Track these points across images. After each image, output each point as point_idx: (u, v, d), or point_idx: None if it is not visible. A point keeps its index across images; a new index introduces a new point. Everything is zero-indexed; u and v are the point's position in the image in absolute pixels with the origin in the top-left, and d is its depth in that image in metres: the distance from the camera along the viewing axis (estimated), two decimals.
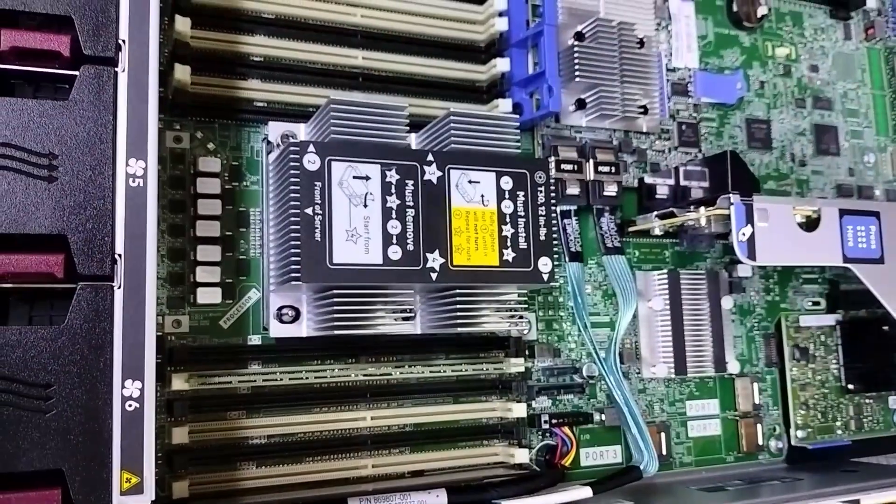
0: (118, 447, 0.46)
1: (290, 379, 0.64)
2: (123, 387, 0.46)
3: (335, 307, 0.58)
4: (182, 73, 0.61)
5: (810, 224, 0.70)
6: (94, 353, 0.46)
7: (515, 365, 0.71)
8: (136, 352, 0.47)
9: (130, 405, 0.46)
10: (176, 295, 0.62)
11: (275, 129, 0.65)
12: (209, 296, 0.63)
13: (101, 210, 0.47)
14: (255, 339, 0.65)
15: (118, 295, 0.47)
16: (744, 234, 0.66)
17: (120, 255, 0.47)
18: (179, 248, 0.63)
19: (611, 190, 0.77)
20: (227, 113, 0.65)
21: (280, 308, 0.63)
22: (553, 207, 0.66)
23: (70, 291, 0.47)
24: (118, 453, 0.46)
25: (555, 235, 0.66)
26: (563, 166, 0.75)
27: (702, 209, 0.70)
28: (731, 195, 0.66)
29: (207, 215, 0.63)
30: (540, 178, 0.66)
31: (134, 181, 0.48)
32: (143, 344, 0.47)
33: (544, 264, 0.65)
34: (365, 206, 0.60)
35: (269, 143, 0.65)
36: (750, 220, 0.66)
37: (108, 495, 0.45)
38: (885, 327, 0.92)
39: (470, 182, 0.63)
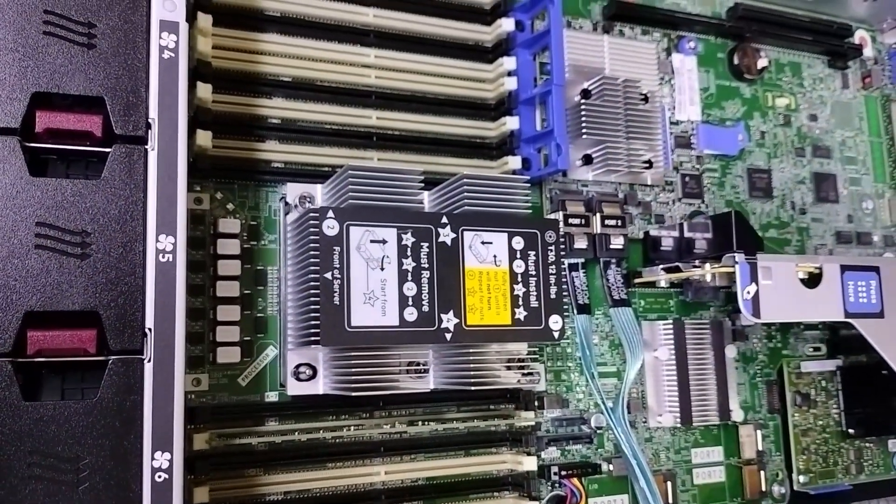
0: None
1: (305, 435, 0.66)
2: (153, 458, 0.48)
3: (352, 369, 0.60)
4: (204, 138, 0.63)
5: (812, 279, 0.72)
6: (125, 426, 0.47)
7: (526, 419, 0.72)
8: (165, 423, 0.48)
9: (160, 476, 0.48)
10: (196, 354, 0.64)
11: (293, 191, 0.67)
12: (229, 355, 0.64)
13: (132, 286, 0.49)
14: (271, 396, 0.66)
15: (148, 368, 0.48)
16: (748, 293, 0.68)
17: (150, 329, 0.49)
18: (199, 307, 0.64)
19: (617, 243, 0.78)
20: (245, 174, 0.67)
21: (297, 366, 0.65)
22: (563, 269, 0.68)
23: (100, 363, 0.48)
24: None
25: (565, 292, 0.68)
26: (570, 221, 0.77)
27: (707, 265, 0.72)
28: (735, 254, 0.68)
29: (227, 275, 0.65)
30: (550, 237, 0.67)
31: (164, 256, 0.50)
32: (172, 415, 0.49)
33: (555, 322, 0.67)
34: (382, 269, 0.61)
35: (286, 203, 0.67)
36: (754, 278, 0.68)
37: None
38: (885, 372, 0.94)
39: (483, 243, 0.65)
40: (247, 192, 0.68)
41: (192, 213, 0.65)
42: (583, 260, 0.78)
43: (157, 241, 0.50)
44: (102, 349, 0.48)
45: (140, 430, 0.48)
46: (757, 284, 0.68)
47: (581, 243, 0.77)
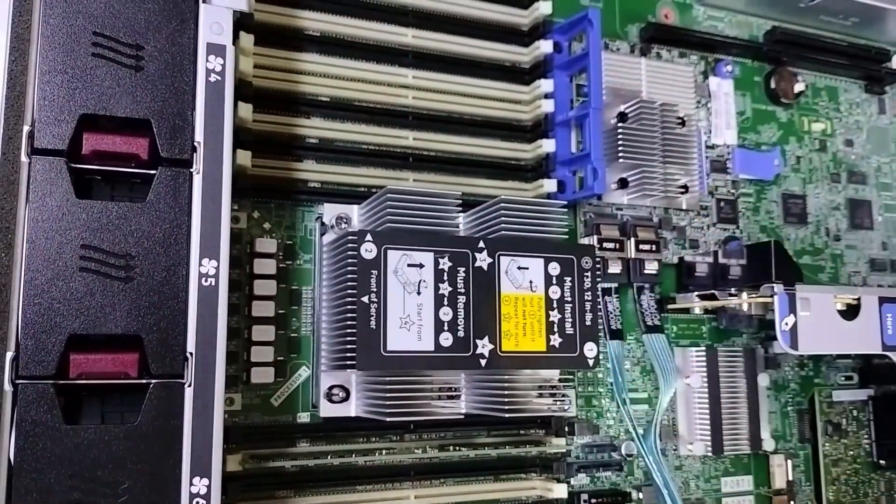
0: None
1: (338, 459, 0.65)
2: (192, 484, 0.48)
3: (387, 393, 0.59)
4: (244, 158, 0.63)
5: (850, 310, 0.71)
6: (165, 451, 0.47)
7: (557, 445, 0.72)
8: (204, 448, 0.48)
9: (198, 502, 0.48)
10: (230, 373, 0.64)
11: (330, 211, 0.67)
12: (262, 376, 0.64)
13: (174, 310, 0.49)
14: (303, 417, 0.66)
15: (188, 393, 0.48)
16: (786, 324, 0.67)
17: (191, 354, 0.49)
18: (235, 326, 0.64)
19: (651, 268, 0.78)
20: (283, 194, 0.67)
21: (330, 388, 0.65)
22: (598, 295, 0.67)
23: (141, 387, 0.48)
24: None
25: (600, 319, 0.67)
26: (605, 245, 0.76)
27: (744, 294, 0.71)
28: (774, 285, 0.67)
29: (263, 295, 0.65)
30: (586, 263, 0.67)
31: (206, 280, 0.50)
32: (211, 440, 0.48)
33: (590, 349, 0.66)
34: (419, 293, 0.61)
35: (322, 223, 0.67)
36: (793, 309, 0.68)
37: None
38: None
39: (519, 268, 0.65)
40: (283, 211, 0.68)
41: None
42: (616, 285, 0.78)
43: (201, 264, 0.50)
44: (143, 373, 0.48)
45: (179, 455, 0.48)
46: (795, 316, 0.67)
47: (615, 268, 0.77)
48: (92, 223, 0.48)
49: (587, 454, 0.76)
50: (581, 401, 0.77)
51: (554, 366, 0.65)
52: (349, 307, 0.59)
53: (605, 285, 0.77)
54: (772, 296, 0.68)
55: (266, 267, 0.65)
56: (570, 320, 0.66)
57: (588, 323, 0.66)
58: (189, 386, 0.48)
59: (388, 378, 0.60)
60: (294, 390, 0.66)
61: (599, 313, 0.67)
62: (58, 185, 0.48)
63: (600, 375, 0.78)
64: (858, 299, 0.71)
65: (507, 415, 0.63)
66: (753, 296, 0.70)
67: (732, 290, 0.72)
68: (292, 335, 0.66)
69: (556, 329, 0.65)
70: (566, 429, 0.74)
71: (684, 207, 0.83)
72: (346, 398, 0.65)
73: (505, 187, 0.74)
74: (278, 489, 0.63)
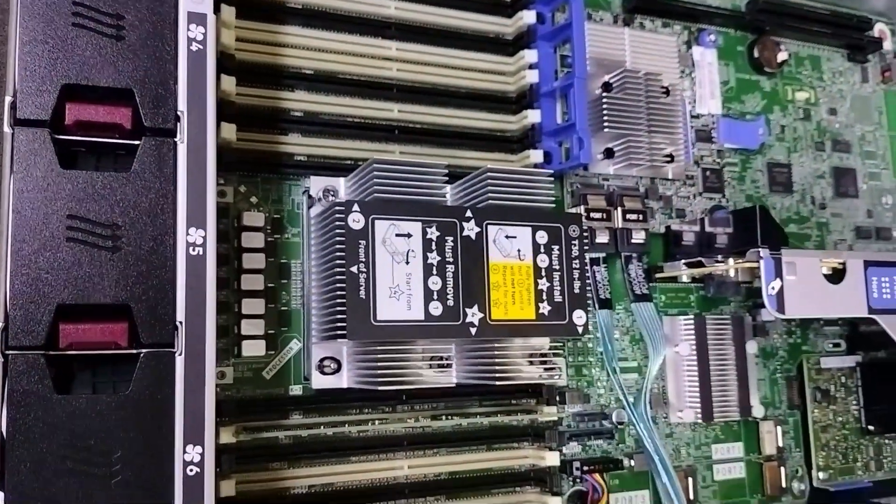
0: None
1: (330, 430, 0.65)
2: (185, 452, 0.48)
3: (378, 363, 0.60)
4: (228, 131, 0.62)
5: (836, 275, 0.72)
6: (157, 419, 0.47)
7: (548, 414, 0.72)
8: (196, 417, 0.48)
9: (192, 470, 0.48)
10: (221, 347, 0.63)
11: (316, 184, 0.67)
12: (253, 348, 0.64)
13: (163, 279, 0.49)
14: (296, 390, 0.66)
15: (179, 361, 0.48)
16: (773, 288, 0.68)
17: (181, 323, 0.49)
18: (224, 300, 0.64)
19: (639, 237, 0.78)
20: (269, 167, 0.67)
21: (322, 360, 0.65)
22: (587, 263, 0.68)
23: (132, 357, 0.48)
24: None
25: (588, 287, 0.67)
26: (592, 215, 0.77)
27: (730, 260, 0.72)
28: (760, 249, 0.68)
29: (252, 269, 0.64)
30: (574, 231, 0.67)
31: (194, 249, 0.50)
32: (204, 409, 0.48)
33: (579, 317, 0.66)
34: (407, 262, 0.61)
35: (310, 196, 0.67)
36: (779, 273, 0.68)
37: None
38: None
39: (507, 237, 0.65)
40: (270, 185, 0.68)
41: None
42: (604, 255, 0.78)
43: (188, 234, 0.50)
44: (133, 343, 0.48)
45: (171, 423, 0.48)
46: (781, 280, 0.68)
47: (603, 238, 0.77)
48: (77, 193, 0.48)
49: (578, 423, 0.76)
50: (571, 370, 0.77)
51: (543, 334, 0.65)
52: (338, 277, 0.59)
53: (594, 255, 0.78)
54: (758, 260, 0.68)
55: (254, 240, 0.65)
56: (559, 288, 0.66)
57: (576, 291, 0.67)
58: (180, 355, 0.48)
59: (379, 347, 0.60)
60: (286, 363, 0.66)
61: (588, 281, 0.68)
62: (42, 155, 0.48)
63: (590, 345, 0.78)
64: (844, 263, 0.72)
65: (497, 382, 0.63)
66: (740, 261, 0.70)
67: (719, 258, 0.73)
68: (283, 309, 0.66)
69: (544, 297, 0.65)
70: (557, 398, 0.75)
71: (670, 177, 0.84)
72: (338, 370, 0.65)
73: (491, 159, 0.74)
74: (272, 461, 0.63)
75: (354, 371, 0.64)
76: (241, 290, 0.64)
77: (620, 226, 0.78)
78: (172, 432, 0.48)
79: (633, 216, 0.78)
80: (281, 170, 0.67)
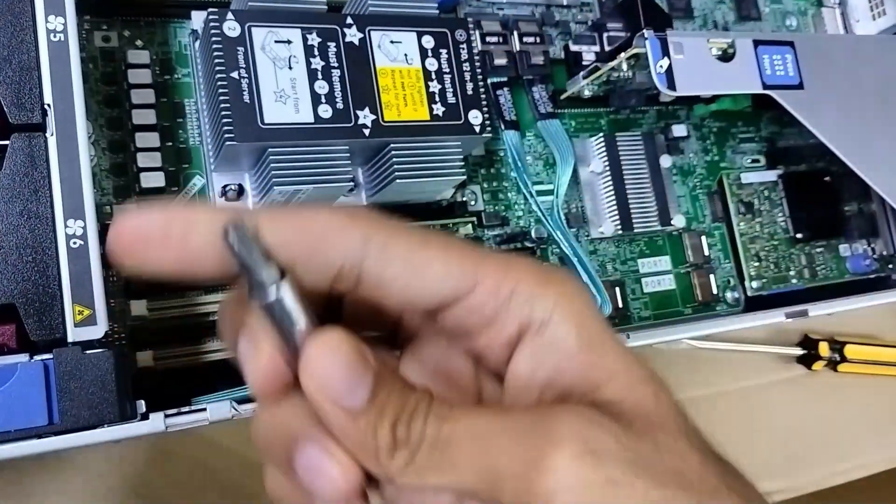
0: (67, 282, 0.47)
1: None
2: (66, 226, 0.48)
3: (272, 164, 0.60)
4: None
5: (726, 58, 0.73)
6: (35, 196, 0.48)
7: (464, 233, 0.73)
8: (74, 193, 0.49)
9: (75, 242, 0.48)
10: (121, 184, 0.64)
11: (198, 19, 0.67)
12: (153, 180, 0.64)
13: (24, 64, 0.49)
14: None
15: (52, 142, 0.49)
16: (661, 67, 0.69)
17: (49, 105, 0.49)
18: (119, 140, 0.64)
19: (538, 59, 0.79)
20: (151, 9, 0.67)
21: (224, 186, 0.65)
22: (478, 67, 0.68)
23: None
24: (68, 288, 0.47)
25: (482, 90, 0.68)
26: (487, 39, 0.78)
27: (621, 55, 0.72)
28: (644, 31, 0.69)
29: (142, 104, 0.65)
30: (461, 35, 0.68)
31: (55, 36, 0.50)
32: (81, 186, 0.49)
33: (475, 116, 0.67)
34: (290, 68, 0.62)
35: (194, 31, 0.67)
36: (666, 52, 0.69)
37: (63, 328, 0.47)
38: (827, 178, 0.95)
39: (392, 42, 0.66)
40: (154, 28, 0.68)
41: (101, 50, 0.65)
42: (505, 78, 0.79)
43: (47, 21, 0.50)
44: (4, 131, 0.48)
45: (50, 198, 0.48)
46: (669, 58, 0.69)
47: (501, 60, 0.78)
48: None
49: (499, 244, 0.77)
50: (487, 195, 0.78)
51: (441, 133, 0.66)
52: (220, 83, 0.59)
53: (495, 79, 0.78)
54: (644, 44, 0.69)
55: (141, 77, 0.65)
56: (452, 90, 0.67)
57: (469, 92, 0.67)
58: (51, 135, 0.49)
59: (271, 151, 0.61)
60: (191, 199, 0.66)
61: (482, 85, 0.68)
62: None
63: (503, 171, 0.79)
64: (733, 44, 0.73)
65: (397, 181, 0.64)
66: (629, 51, 0.71)
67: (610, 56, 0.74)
68: (181, 146, 0.67)
69: (437, 99, 0.66)
70: (474, 219, 0.75)
71: (565, 3, 0.85)
72: (241, 194, 0.66)
73: None
74: (186, 289, 0.64)
75: (256, 189, 0.65)
76: (134, 126, 0.65)
77: (519, 49, 0.79)
78: (52, 208, 0.48)
79: (531, 39, 0.79)
80: (164, 11, 0.68)
